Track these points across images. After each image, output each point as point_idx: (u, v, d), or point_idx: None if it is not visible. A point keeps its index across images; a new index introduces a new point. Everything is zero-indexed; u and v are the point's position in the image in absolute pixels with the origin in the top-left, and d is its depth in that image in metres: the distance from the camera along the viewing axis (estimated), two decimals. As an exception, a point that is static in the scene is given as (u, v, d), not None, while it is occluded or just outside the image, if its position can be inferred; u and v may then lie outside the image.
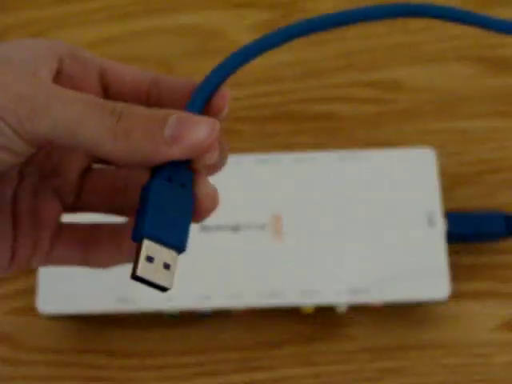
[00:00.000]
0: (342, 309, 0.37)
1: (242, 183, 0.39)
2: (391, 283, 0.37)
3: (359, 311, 0.38)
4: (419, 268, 0.37)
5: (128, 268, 0.25)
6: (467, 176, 0.41)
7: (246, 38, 0.47)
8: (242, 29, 0.47)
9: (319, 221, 0.38)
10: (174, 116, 0.24)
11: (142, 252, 0.24)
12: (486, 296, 0.39)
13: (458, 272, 0.39)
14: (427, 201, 0.38)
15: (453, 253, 0.39)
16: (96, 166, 0.30)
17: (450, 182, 0.41)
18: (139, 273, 0.24)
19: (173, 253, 0.24)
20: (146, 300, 0.37)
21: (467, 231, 0.39)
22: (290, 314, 0.38)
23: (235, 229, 0.38)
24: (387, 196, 0.39)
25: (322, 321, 0.38)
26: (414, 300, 0.37)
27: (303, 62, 0.45)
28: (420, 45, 0.45)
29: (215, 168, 0.27)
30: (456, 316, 0.38)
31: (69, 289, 0.37)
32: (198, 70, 0.46)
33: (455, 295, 0.38)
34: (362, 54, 0.45)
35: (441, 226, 0.38)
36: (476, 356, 0.37)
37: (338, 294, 0.37)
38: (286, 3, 0.47)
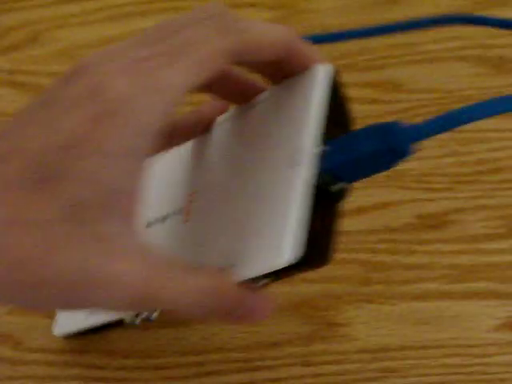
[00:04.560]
0: None
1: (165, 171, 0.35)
2: (238, 255, 0.29)
3: (359, 311, 0.38)
4: (262, 230, 0.28)
5: None
6: (467, 176, 0.42)
7: (245, 38, 0.47)
8: (241, 29, 0.47)
9: (221, 193, 0.32)
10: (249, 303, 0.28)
11: None
12: (486, 296, 0.39)
13: (457, 272, 0.39)
14: (299, 134, 0.29)
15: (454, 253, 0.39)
16: None
17: (450, 182, 0.41)
18: None
19: None
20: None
21: (342, 163, 0.28)
22: (291, 314, 0.39)
23: (164, 218, 0.34)
24: (270, 140, 0.30)
25: (322, 321, 0.38)
26: (262, 274, 0.28)
27: (303, 62, 0.46)
28: (420, 45, 0.45)
29: None
30: (456, 316, 0.38)
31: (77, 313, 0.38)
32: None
33: (455, 295, 0.38)
34: (362, 53, 0.46)
35: (305, 167, 0.28)
36: (476, 356, 0.37)
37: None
38: (286, 3, 0.47)
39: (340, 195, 0.29)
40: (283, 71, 0.30)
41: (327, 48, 0.46)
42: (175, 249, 0.32)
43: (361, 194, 0.41)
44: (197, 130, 0.34)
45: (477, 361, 0.37)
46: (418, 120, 0.43)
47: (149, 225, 0.34)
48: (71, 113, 0.25)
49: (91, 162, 0.24)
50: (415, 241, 0.40)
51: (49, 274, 0.24)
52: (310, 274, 0.39)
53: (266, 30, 0.28)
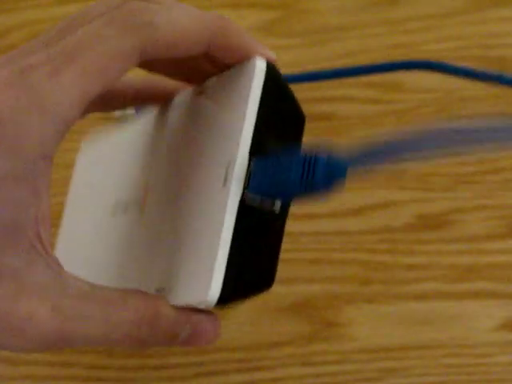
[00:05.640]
0: None
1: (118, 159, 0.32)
2: (171, 282, 0.26)
3: (359, 311, 0.38)
4: (194, 257, 0.25)
5: None
6: (467, 176, 0.41)
7: (245, 38, 0.47)
8: (241, 29, 0.47)
9: (166, 190, 0.28)
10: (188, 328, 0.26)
11: None
12: (485, 296, 0.38)
13: (457, 272, 0.39)
14: (232, 143, 0.25)
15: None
16: None
17: (450, 182, 0.41)
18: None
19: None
20: None
21: (265, 187, 0.24)
22: (291, 314, 0.38)
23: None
24: (206, 142, 0.26)
25: (322, 321, 0.38)
26: (187, 306, 0.26)
27: (303, 62, 0.45)
28: (420, 45, 0.45)
29: None
30: (456, 316, 0.38)
31: None
32: (197, 70, 0.47)
33: (455, 295, 0.38)
34: (362, 53, 0.45)
35: (233, 185, 0.24)
36: (476, 356, 0.37)
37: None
38: (286, 3, 0.47)
39: (275, 214, 0.26)
40: (214, 65, 0.27)
41: (327, 48, 0.46)
42: (126, 253, 0.29)
43: (360, 194, 0.41)
44: (146, 98, 0.31)
45: (477, 361, 0.37)
46: (418, 120, 0.43)
47: (114, 212, 0.31)
48: None
49: None
50: (415, 241, 0.40)
51: None
52: (310, 274, 0.39)
53: (182, 22, 0.24)
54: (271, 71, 0.25)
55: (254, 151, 0.25)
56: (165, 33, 0.24)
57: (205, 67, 0.27)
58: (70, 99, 0.22)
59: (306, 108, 0.44)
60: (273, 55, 0.26)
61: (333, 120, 0.43)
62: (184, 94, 0.30)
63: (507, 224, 0.40)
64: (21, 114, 0.22)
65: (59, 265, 0.24)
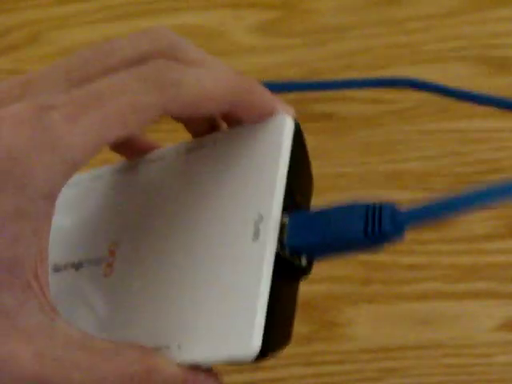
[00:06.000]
0: None
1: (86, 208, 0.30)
2: (190, 336, 0.25)
3: (359, 311, 0.38)
4: (226, 310, 0.24)
5: None
6: (467, 176, 0.42)
7: (245, 38, 0.47)
8: (241, 29, 0.47)
9: (152, 246, 0.27)
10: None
11: None
12: (486, 296, 0.39)
13: (458, 272, 0.39)
14: (261, 201, 0.25)
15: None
16: None
17: (450, 182, 0.41)
18: None
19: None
20: None
21: (314, 241, 0.24)
22: (290, 314, 0.39)
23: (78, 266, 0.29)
24: (222, 197, 0.26)
25: (322, 321, 0.38)
26: (216, 361, 0.24)
27: (303, 62, 0.46)
28: (420, 45, 0.45)
29: None
30: (456, 316, 0.38)
31: None
32: (197, 70, 0.47)
33: (455, 295, 0.38)
34: (362, 53, 0.46)
35: (269, 240, 0.24)
36: (476, 356, 0.37)
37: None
38: (286, 3, 0.47)
39: (304, 270, 0.25)
40: (230, 121, 0.27)
41: (327, 48, 0.46)
42: (90, 305, 0.28)
43: (360, 194, 0.41)
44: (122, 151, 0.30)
45: (477, 361, 0.37)
46: (418, 120, 0.43)
47: (57, 268, 0.30)
48: None
49: None
50: (415, 241, 0.40)
51: None
52: (311, 274, 0.39)
53: (208, 85, 0.24)
54: (297, 128, 0.26)
55: (285, 206, 0.25)
56: (189, 94, 0.24)
57: (211, 122, 0.28)
58: (84, 144, 0.23)
59: (306, 108, 0.44)
60: (292, 110, 0.27)
61: (333, 120, 0.43)
62: (168, 149, 0.29)
63: (507, 224, 0.40)
64: (32, 152, 0.22)
65: (53, 309, 0.24)
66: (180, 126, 0.44)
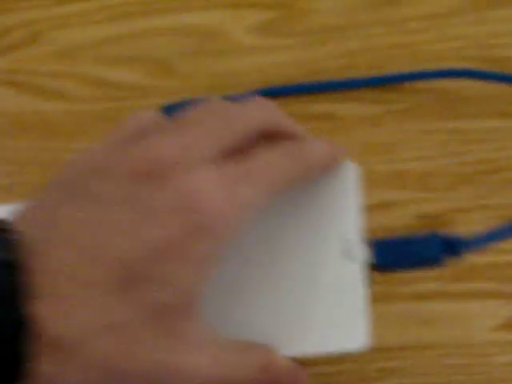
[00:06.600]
0: None
1: None
2: (295, 335, 0.31)
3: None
4: (329, 315, 0.32)
5: None
6: (467, 176, 0.41)
7: (245, 38, 0.47)
8: (241, 29, 0.47)
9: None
10: None
11: None
12: (486, 296, 0.38)
13: (457, 272, 0.39)
14: (345, 227, 0.33)
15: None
16: None
17: (450, 182, 0.41)
18: None
19: None
20: None
21: (398, 261, 0.33)
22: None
23: None
24: (300, 225, 0.33)
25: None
26: (324, 352, 0.31)
27: (303, 62, 0.46)
28: (420, 45, 0.45)
29: None
30: (456, 316, 0.38)
31: None
32: (197, 70, 0.46)
33: (455, 295, 0.38)
34: (362, 53, 0.46)
35: (360, 259, 0.32)
36: (476, 356, 0.37)
37: None
38: (286, 3, 0.47)
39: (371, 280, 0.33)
40: None
41: (327, 48, 0.46)
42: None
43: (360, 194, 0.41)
44: None
45: (477, 361, 0.37)
46: (418, 120, 0.43)
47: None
48: (161, 221, 0.26)
49: (173, 267, 0.26)
50: (415, 241, 0.40)
51: (131, 367, 0.26)
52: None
53: (323, 154, 0.32)
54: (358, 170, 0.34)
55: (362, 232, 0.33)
56: (316, 164, 0.32)
57: None
58: (255, 201, 0.28)
59: (306, 108, 0.44)
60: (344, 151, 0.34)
61: (333, 120, 0.43)
62: None
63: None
64: (227, 210, 0.27)
65: (209, 323, 0.29)
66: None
